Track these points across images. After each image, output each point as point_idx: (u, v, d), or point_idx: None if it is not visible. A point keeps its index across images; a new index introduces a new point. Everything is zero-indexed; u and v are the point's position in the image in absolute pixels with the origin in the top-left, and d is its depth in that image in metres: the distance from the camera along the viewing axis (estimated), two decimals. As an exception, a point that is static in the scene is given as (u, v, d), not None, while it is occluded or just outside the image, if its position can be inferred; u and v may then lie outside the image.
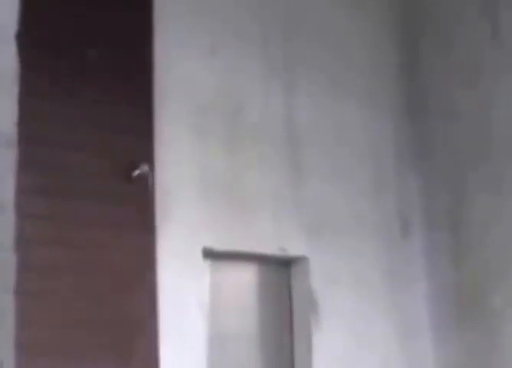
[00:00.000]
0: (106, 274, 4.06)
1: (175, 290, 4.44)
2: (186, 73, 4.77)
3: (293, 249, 5.11)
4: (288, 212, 5.12)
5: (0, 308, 3.80)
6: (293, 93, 5.33)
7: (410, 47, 6.09)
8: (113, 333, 4.02)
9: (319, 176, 5.33)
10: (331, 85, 5.54)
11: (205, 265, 4.77)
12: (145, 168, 4.22)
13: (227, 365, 4.88)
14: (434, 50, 5.95)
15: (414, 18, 6.11)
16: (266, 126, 5.15)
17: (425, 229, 5.83)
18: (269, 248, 5.01)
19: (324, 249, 5.23)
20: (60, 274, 3.90)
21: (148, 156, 4.28)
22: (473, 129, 5.61)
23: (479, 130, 5.58)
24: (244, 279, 5.09)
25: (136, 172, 4.19)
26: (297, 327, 5.16)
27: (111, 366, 3.98)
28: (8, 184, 3.89)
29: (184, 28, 4.79)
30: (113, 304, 4.05)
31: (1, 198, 3.91)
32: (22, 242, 3.78)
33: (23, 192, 3.85)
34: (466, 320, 5.50)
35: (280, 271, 5.23)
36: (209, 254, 4.74)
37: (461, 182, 5.64)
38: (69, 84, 4.06)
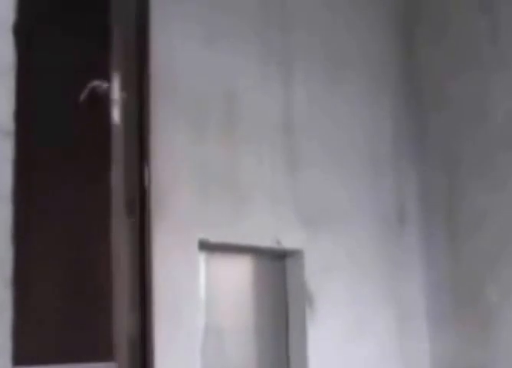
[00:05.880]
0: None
1: (171, 282, 4.44)
2: (182, 65, 4.74)
3: (289, 242, 5.12)
4: (284, 205, 5.13)
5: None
6: (291, 84, 5.33)
7: (408, 39, 6.10)
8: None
9: (315, 169, 5.34)
10: (328, 76, 5.55)
11: (201, 257, 4.79)
12: None
13: (221, 356, 4.90)
14: (432, 43, 5.97)
15: (410, 9, 6.13)
16: (263, 118, 5.15)
17: (422, 218, 5.85)
18: (264, 241, 5.02)
19: (320, 242, 5.24)
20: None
21: (143, 150, 4.26)
22: (470, 119, 5.64)
23: (476, 121, 5.60)
24: (240, 271, 5.10)
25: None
26: (292, 320, 5.18)
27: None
28: (5, 175, 3.88)
29: (181, 25, 4.76)
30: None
31: (-2, 190, 3.90)
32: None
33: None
34: (463, 309, 5.53)
35: (275, 264, 5.24)
36: (205, 246, 4.75)
37: (458, 171, 5.66)
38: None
